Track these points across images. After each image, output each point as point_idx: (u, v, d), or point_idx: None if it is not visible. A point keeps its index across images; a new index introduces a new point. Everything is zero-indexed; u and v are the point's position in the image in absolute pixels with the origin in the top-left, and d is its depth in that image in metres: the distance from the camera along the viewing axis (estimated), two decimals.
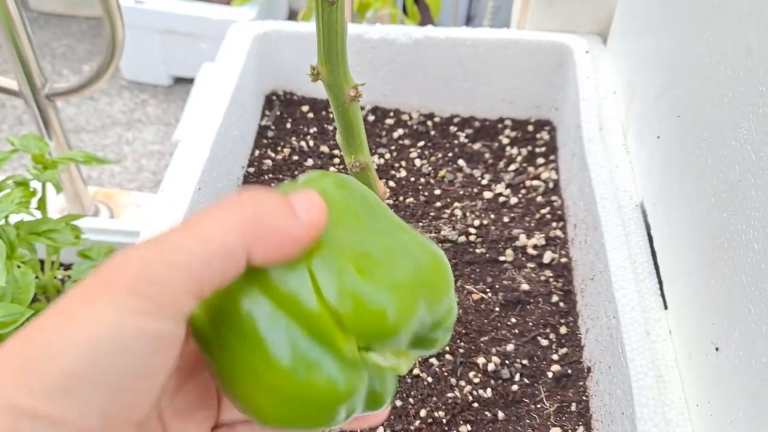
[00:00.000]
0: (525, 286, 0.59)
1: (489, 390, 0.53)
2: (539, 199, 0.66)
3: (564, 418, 0.51)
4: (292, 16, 2.19)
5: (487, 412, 0.52)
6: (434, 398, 0.52)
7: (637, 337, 0.43)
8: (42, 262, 0.77)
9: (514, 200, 0.66)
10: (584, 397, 0.52)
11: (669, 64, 0.50)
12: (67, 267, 0.92)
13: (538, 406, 0.52)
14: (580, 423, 0.50)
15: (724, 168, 0.39)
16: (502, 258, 0.61)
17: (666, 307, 0.46)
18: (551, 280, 0.59)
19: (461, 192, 0.67)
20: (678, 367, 0.43)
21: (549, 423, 0.51)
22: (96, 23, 2.32)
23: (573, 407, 0.51)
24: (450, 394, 0.52)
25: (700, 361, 0.40)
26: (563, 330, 0.56)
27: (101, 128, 2.00)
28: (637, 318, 0.44)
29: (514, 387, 0.53)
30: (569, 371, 0.53)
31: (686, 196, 0.44)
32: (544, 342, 0.56)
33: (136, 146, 1.96)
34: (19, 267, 0.64)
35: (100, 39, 2.25)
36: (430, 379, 0.53)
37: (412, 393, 0.53)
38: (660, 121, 0.50)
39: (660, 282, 0.48)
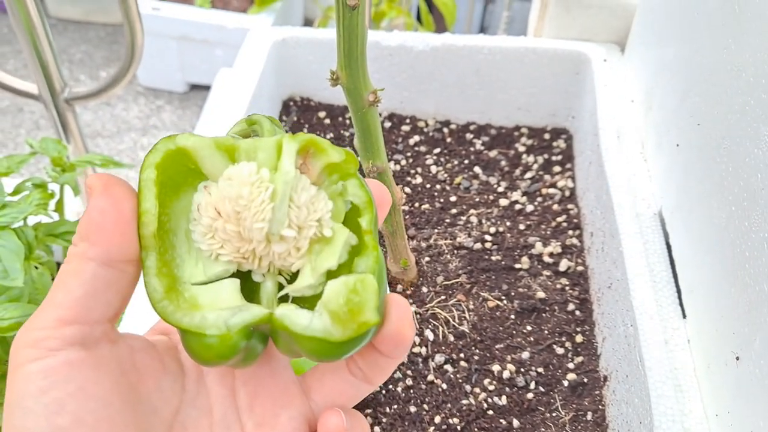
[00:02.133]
0: (541, 294, 0.58)
1: (504, 398, 0.52)
2: (555, 207, 0.65)
3: (580, 427, 0.51)
4: (308, 24, 2.20)
5: (502, 420, 0.51)
6: (449, 405, 0.52)
7: (655, 345, 0.43)
8: (59, 264, 0.77)
9: (530, 208, 0.65)
10: (600, 406, 0.51)
11: (688, 72, 0.50)
12: None
13: (554, 414, 0.52)
14: None
15: (745, 176, 0.39)
16: (517, 265, 0.61)
17: (684, 316, 0.46)
18: (567, 288, 0.59)
19: (477, 199, 0.67)
20: (696, 377, 0.43)
21: (565, 431, 0.50)
22: (113, 30, 2.35)
23: (589, 416, 0.51)
24: (465, 401, 0.52)
25: (719, 371, 0.40)
26: (579, 338, 0.56)
27: (117, 133, 2.02)
28: (656, 327, 0.44)
29: (530, 395, 0.53)
30: (585, 380, 0.53)
31: (706, 204, 0.44)
32: (560, 350, 0.55)
33: None
34: (36, 268, 0.65)
35: (117, 46, 2.28)
36: (444, 386, 0.53)
37: (427, 399, 0.52)
38: (679, 129, 0.50)
39: (678, 291, 0.47)
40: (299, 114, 0.74)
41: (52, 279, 0.66)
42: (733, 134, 0.41)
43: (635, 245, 0.48)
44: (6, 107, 2.04)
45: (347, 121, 0.74)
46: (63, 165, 0.74)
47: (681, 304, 0.46)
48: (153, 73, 2.11)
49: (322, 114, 0.74)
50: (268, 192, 0.26)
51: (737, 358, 0.37)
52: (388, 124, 0.74)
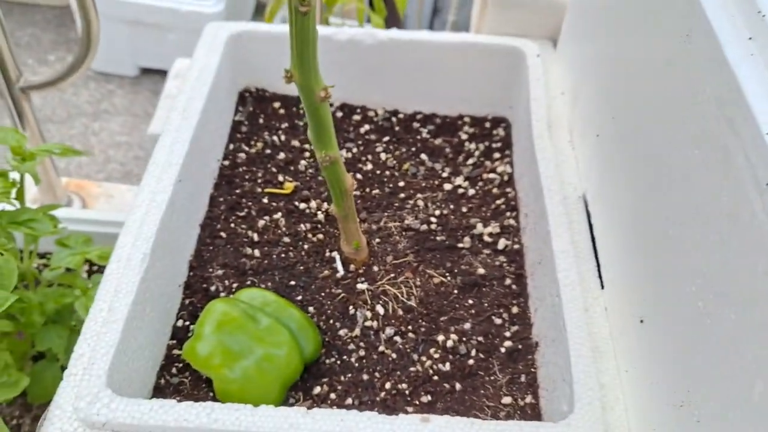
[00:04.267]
0: (481, 271, 0.64)
1: (448, 364, 0.58)
2: (495, 191, 0.71)
3: (515, 388, 0.57)
4: (260, 8, 2.20)
5: (445, 384, 0.57)
6: (398, 372, 0.57)
7: (576, 313, 0.49)
8: (21, 251, 0.79)
9: (471, 192, 0.71)
10: (533, 369, 0.57)
11: (608, 67, 0.56)
12: (42, 256, 0.94)
13: (492, 378, 0.57)
14: (529, 392, 0.56)
15: (655, 164, 0.45)
16: (460, 245, 0.66)
17: (603, 287, 0.52)
18: (505, 264, 0.65)
19: (423, 184, 0.72)
20: (612, 339, 0.49)
21: (501, 393, 0.56)
22: (60, 12, 2.30)
23: (522, 378, 0.57)
24: (412, 369, 0.57)
25: (628, 333, 0.46)
26: (515, 310, 0.62)
27: (68, 119, 1.99)
28: (577, 296, 0.50)
29: (471, 361, 0.58)
30: (520, 346, 0.59)
31: (622, 188, 0.50)
32: (498, 321, 0.61)
33: (102, 137, 1.96)
34: (1, 255, 0.67)
35: (64, 29, 2.24)
36: (394, 356, 0.58)
37: (378, 368, 0.57)
38: (599, 121, 0.56)
39: (598, 265, 0.53)
40: (255, 104, 0.77)
41: (17, 267, 0.68)
42: (645, 127, 0.47)
43: (561, 225, 0.54)
44: None
45: (301, 111, 0.78)
46: (23, 154, 0.75)
47: (600, 276, 0.53)
48: (103, 56, 2.09)
49: (277, 104, 0.78)
50: None
51: (641, 321, 0.44)
52: (339, 114, 0.78)
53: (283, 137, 0.75)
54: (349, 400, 0.55)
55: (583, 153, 0.60)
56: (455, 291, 0.63)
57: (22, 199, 0.76)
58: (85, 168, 1.86)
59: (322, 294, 0.62)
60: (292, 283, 0.62)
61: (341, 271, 0.63)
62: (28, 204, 0.85)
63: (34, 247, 0.78)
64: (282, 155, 0.73)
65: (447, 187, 0.71)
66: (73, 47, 2.11)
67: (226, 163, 0.71)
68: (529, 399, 0.56)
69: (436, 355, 0.59)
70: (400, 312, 0.61)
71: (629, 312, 0.46)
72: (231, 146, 0.73)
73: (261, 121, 0.76)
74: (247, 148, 0.73)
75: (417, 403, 0.56)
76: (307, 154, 0.74)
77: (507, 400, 0.56)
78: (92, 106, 2.06)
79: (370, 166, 0.73)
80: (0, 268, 0.67)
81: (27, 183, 0.83)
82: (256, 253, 0.64)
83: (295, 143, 0.74)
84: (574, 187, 0.59)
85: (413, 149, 0.75)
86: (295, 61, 0.48)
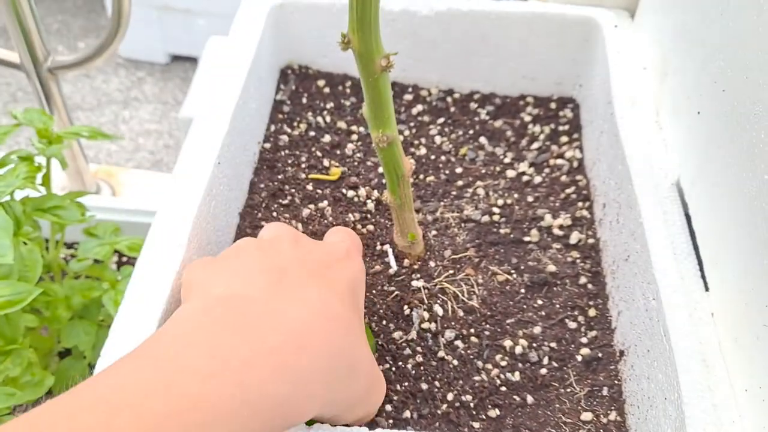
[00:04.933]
0: (551, 268, 0.57)
1: (517, 373, 0.51)
2: (564, 178, 0.64)
3: (595, 403, 0.50)
4: None
5: (515, 396, 0.50)
6: (461, 381, 0.51)
7: (681, 319, 0.41)
8: (47, 240, 0.74)
9: (537, 179, 0.64)
10: (616, 381, 0.50)
11: (710, 36, 0.48)
12: (69, 246, 0.89)
13: (568, 390, 0.51)
14: (613, 407, 0.49)
15: None
16: (527, 238, 0.59)
17: (707, 289, 0.45)
18: (578, 261, 0.58)
19: (483, 171, 0.65)
20: (722, 351, 0.42)
21: (580, 407, 0.49)
22: None
23: (605, 391, 0.50)
24: (477, 378, 0.51)
25: (749, 344, 0.38)
26: (592, 312, 0.55)
27: (97, 106, 1.96)
28: (680, 300, 0.42)
29: (543, 370, 0.51)
30: (599, 354, 0.52)
31: (733, 173, 0.42)
32: (573, 324, 0.54)
33: (132, 125, 1.92)
34: (25, 244, 0.62)
35: (94, 15, 2.21)
36: (456, 362, 0.52)
37: (438, 376, 0.51)
38: (701, 96, 0.48)
39: (700, 263, 0.46)
40: (297, 83, 0.71)
41: (42, 256, 0.63)
42: (765, 100, 0.39)
43: (656, 216, 0.47)
44: None
45: (347, 90, 0.71)
46: (49, 137, 0.70)
47: (703, 277, 0.45)
48: (133, 43, 2.05)
49: (321, 83, 0.71)
50: None
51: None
52: None
53: (328, 118, 0.68)
54: (407, 413, 0.49)
55: (676, 134, 0.52)
56: (522, 290, 0.56)
57: (48, 185, 0.71)
58: (114, 156, 1.83)
59: (374, 291, 0.55)
60: None
61: (394, 267, 0.57)
62: (57, 192, 0.80)
63: (61, 236, 0.73)
64: (327, 138, 0.66)
65: (510, 174, 0.64)
66: (102, 34, 2.09)
67: (267, 146, 0.65)
68: (613, 416, 0.49)
69: (503, 363, 0.52)
70: (461, 313, 0.54)
71: (749, 320, 0.39)
72: (272, 128, 0.66)
73: (304, 100, 0.70)
74: (289, 130, 0.67)
75: (484, 417, 0.49)
76: (355, 136, 0.67)
77: (587, 416, 0.49)
78: (122, 93, 2.03)
79: (423, 151, 0.66)
80: (24, 259, 0.61)
81: (55, 169, 0.78)
82: None
83: (342, 125, 0.68)
84: (665, 173, 0.51)
85: (471, 132, 0.68)
86: (354, 25, 0.41)
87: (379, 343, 0.52)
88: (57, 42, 2.09)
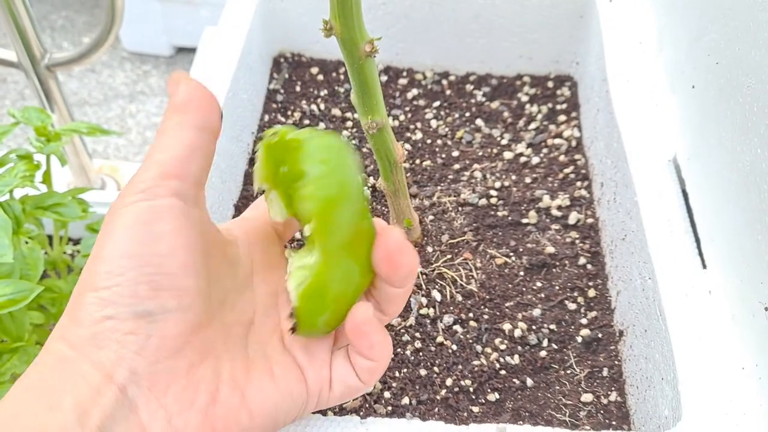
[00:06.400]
0: (550, 249, 0.56)
1: (516, 356, 0.51)
2: (562, 158, 0.63)
3: (596, 384, 0.49)
4: None
5: (515, 379, 0.50)
6: (460, 366, 0.50)
7: (676, 298, 0.41)
8: (50, 237, 0.75)
9: (535, 160, 0.63)
10: (616, 362, 0.50)
11: (704, 8, 0.47)
12: (76, 242, 0.90)
13: (568, 372, 0.50)
14: (613, 388, 0.49)
15: None
16: (525, 220, 0.59)
17: (705, 267, 0.44)
18: (577, 241, 0.57)
19: (480, 153, 0.64)
20: (718, 329, 0.41)
21: (580, 389, 0.49)
22: None
23: (605, 372, 0.49)
24: (476, 362, 0.51)
25: (746, 322, 0.38)
26: (591, 293, 0.54)
27: (104, 101, 1.97)
28: (676, 278, 0.42)
29: (543, 353, 0.51)
30: (599, 335, 0.52)
31: (728, 148, 0.41)
32: (572, 306, 0.54)
33: (140, 118, 1.93)
34: (26, 243, 0.62)
35: (99, 10, 2.21)
36: (454, 347, 0.52)
37: (437, 362, 0.51)
38: (695, 70, 0.47)
39: (697, 240, 0.45)
40: (291, 71, 0.70)
41: (44, 253, 0.64)
42: (758, 72, 0.38)
43: (651, 194, 0.46)
44: None
45: (341, 77, 0.70)
46: (47, 134, 0.70)
47: (700, 254, 0.44)
48: (138, 37, 2.05)
49: (314, 70, 0.71)
50: None
51: (766, 309, 0.36)
52: (384, 78, 0.71)
53: (322, 106, 0.68)
54: (406, 400, 0.49)
55: (672, 110, 0.51)
56: (521, 273, 0.56)
57: (49, 183, 0.71)
58: (123, 150, 1.84)
59: None
60: None
61: None
62: (62, 188, 0.80)
63: (64, 232, 0.73)
64: (322, 126, 0.66)
65: (507, 155, 0.64)
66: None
67: (262, 135, 0.65)
68: (613, 396, 0.48)
69: (503, 347, 0.52)
70: (459, 298, 0.54)
71: (746, 297, 0.38)
72: (266, 117, 0.66)
73: (298, 89, 0.69)
74: (283, 119, 0.66)
75: (483, 401, 0.49)
76: (350, 123, 0.67)
77: (587, 397, 0.49)
78: (128, 87, 2.03)
79: (419, 135, 0.66)
80: (25, 258, 0.62)
81: (57, 167, 0.78)
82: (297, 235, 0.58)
83: (336, 112, 0.67)
84: (662, 151, 0.51)
85: (467, 114, 0.67)
86: (335, 10, 0.41)
87: None
88: (62, 38, 2.09)
